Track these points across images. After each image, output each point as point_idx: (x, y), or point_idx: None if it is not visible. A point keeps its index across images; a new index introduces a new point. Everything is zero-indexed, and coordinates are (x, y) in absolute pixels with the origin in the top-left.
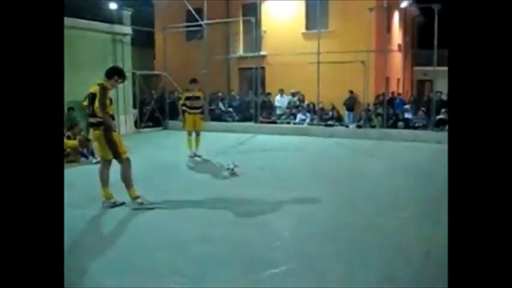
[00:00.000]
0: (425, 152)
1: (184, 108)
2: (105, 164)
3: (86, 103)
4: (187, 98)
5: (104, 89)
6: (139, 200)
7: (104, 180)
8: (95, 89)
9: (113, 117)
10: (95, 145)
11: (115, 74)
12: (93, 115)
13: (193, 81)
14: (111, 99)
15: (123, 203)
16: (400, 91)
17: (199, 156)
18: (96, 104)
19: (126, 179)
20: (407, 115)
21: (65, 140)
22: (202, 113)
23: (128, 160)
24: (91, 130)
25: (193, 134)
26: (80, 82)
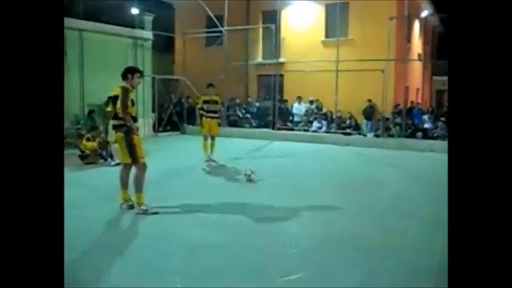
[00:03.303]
0: (443, 162)
1: (201, 112)
2: (126, 166)
3: (109, 108)
4: (205, 102)
5: (125, 90)
6: (143, 207)
7: (123, 182)
8: (117, 91)
9: (135, 118)
10: (115, 147)
11: (128, 72)
12: (116, 117)
13: (211, 85)
14: (133, 101)
15: (156, 213)
16: (419, 101)
17: (213, 161)
18: (118, 104)
19: (138, 183)
20: (426, 125)
21: (85, 142)
22: (219, 117)
23: (144, 165)
24: (113, 132)
25: (209, 138)
26: (101, 85)
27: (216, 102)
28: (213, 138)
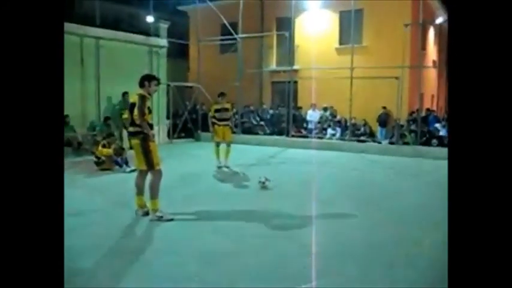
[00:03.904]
0: None
1: (213, 120)
2: (142, 173)
3: (126, 115)
4: (217, 111)
5: (143, 98)
6: (158, 213)
7: (139, 189)
8: (134, 98)
9: (151, 126)
10: (130, 154)
11: (145, 80)
12: (132, 124)
13: (222, 94)
14: (149, 108)
15: (171, 219)
16: (434, 108)
17: (227, 167)
18: (135, 111)
19: (153, 189)
20: (442, 132)
21: (101, 148)
22: (230, 125)
23: (159, 172)
24: (130, 139)
25: (223, 145)
26: (117, 92)
27: (227, 109)
28: (228, 144)
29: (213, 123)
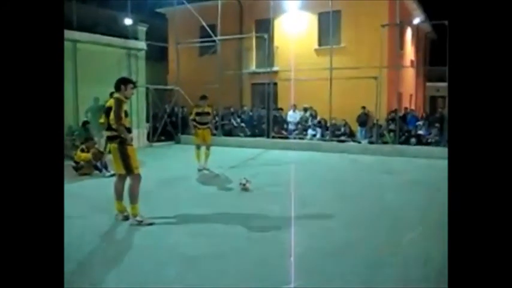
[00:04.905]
0: (437, 168)
1: (194, 123)
2: (120, 177)
3: (102, 120)
4: (197, 114)
5: (118, 101)
6: (138, 218)
7: (118, 194)
8: (110, 102)
9: (129, 130)
10: (109, 158)
11: (121, 83)
12: (109, 128)
13: (203, 97)
14: (126, 112)
15: (151, 224)
16: (413, 107)
17: (207, 170)
18: (112, 115)
19: (133, 194)
20: (420, 131)
21: (79, 153)
22: (210, 127)
23: (138, 176)
24: (108, 144)
25: (203, 148)
26: (94, 96)
27: (208, 113)
28: (207, 147)
29: (194, 126)
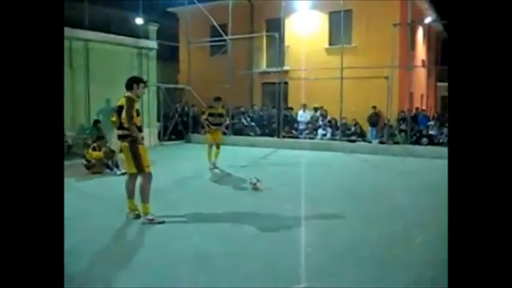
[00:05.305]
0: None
1: (207, 123)
2: (132, 176)
3: (114, 118)
4: (211, 115)
5: (130, 100)
6: (149, 216)
7: (130, 192)
8: (122, 101)
9: (140, 129)
10: (120, 157)
11: (133, 82)
12: (121, 127)
13: (218, 99)
14: (138, 111)
15: (162, 222)
16: (424, 107)
17: (217, 168)
18: (123, 114)
19: (144, 192)
20: (431, 131)
21: (91, 151)
22: (222, 128)
23: (149, 175)
24: (119, 142)
25: (214, 146)
26: (107, 95)
27: (221, 115)
28: (218, 146)
29: (206, 126)
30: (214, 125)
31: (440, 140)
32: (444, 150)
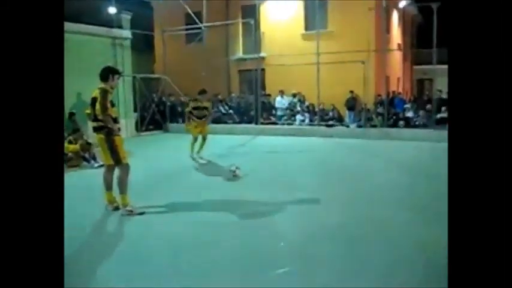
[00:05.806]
0: (425, 150)
1: (191, 116)
2: (109, 168)
3: (88, 111)
4: (195, 108)
5: (104, 92)
6: (128, 208)
7: (108, 184)
8: (96, 93)
9: (116, 120)
10: (97, 149)
11: (108, 73)
12: (96, 119)
13: (203, 91)
14: (112, 102)
15: (142, 213)
16: (400, 90)
17: (201, 158)
18: (97, 106)
19: (122, 184)
20: (408, 114)
21: (67, 145)
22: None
23: (126, 166)
24: (95, 134)
25: (200, 138)
26: (81, 87)
27: (205, 108)
28: (204, 138)
29: (190, 118)
30: (199, 118)
31: (417, 123)
32: (420, 132)
